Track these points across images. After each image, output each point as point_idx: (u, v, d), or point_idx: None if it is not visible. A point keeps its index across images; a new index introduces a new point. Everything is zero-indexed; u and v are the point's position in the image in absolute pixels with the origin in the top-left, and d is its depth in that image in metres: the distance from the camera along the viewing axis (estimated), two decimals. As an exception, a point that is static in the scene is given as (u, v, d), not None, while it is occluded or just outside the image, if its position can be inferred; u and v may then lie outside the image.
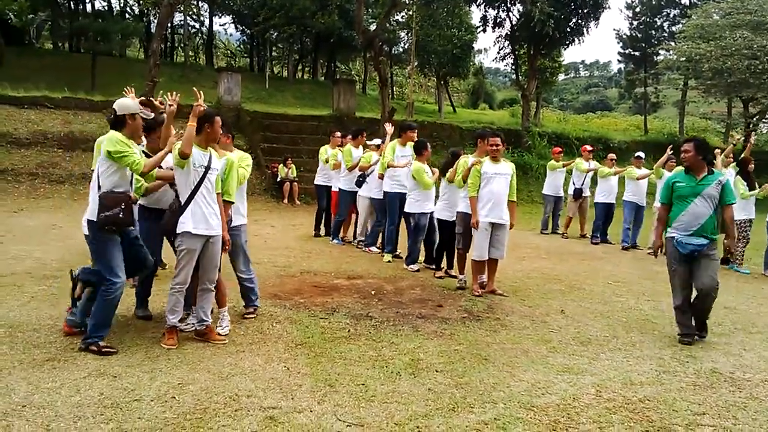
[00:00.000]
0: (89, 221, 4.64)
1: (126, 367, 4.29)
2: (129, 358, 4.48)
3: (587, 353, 5.16)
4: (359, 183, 9.68)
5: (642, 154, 12.32)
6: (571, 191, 12.83)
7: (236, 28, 38.73)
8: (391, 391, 4.13)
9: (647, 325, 6.18)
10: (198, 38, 41.99)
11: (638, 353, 5.24)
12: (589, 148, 13.28)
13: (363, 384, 4.22)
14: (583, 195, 12.70)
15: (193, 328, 5.01)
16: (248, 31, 37.72)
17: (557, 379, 4.51)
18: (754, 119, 26.46)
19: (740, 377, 4.72)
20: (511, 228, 7.25)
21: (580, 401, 4.12)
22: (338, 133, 11.17)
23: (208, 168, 4.76)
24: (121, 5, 34.57)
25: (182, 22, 36.68)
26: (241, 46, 45.40)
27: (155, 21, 34.24)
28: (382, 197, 9.19)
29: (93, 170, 4.97)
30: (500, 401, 4.05)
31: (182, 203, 4.69)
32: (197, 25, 39.82)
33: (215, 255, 4.89)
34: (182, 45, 39.18)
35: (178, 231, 4.67)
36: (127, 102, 4.79)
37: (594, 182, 12.81)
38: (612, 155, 12.83)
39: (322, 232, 10.89)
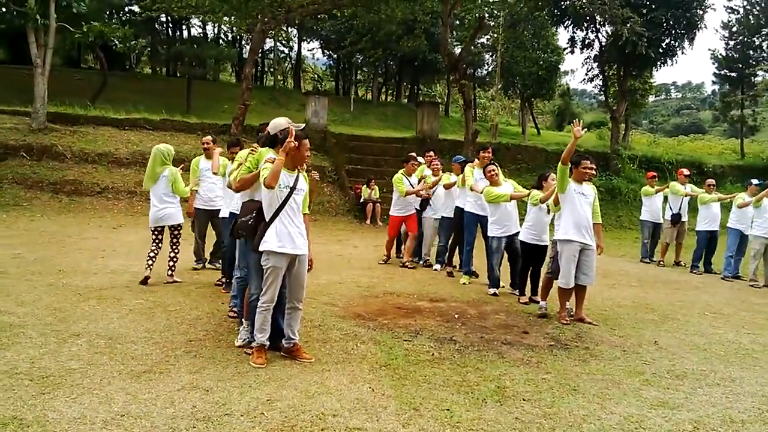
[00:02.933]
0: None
1: (217, 381, 4.41)
2: (220, 372, 4.61)
3: (683, 387, 4.91)
4: (423, 206, 10.12)
5: (758, 181, 11.52)
6: (668, 216, 12.32)
7: (323, 52, 39.90)
8: (477, 418, 4.06)
9: (747, 360, 5.82)
10: (287, 63, 43.40)
11: (738, 389, 4.94)
12: (686, 171, 12.73)
13: (448, 409, 4.16)
14: (682, 220, 12.17)
15: (243, 342, 5.18)
16: (334, 55, 38.71)
17: (651, 413, 4.31)
18: None
19: None
20: (600, 252, 7.02)
21: (677, 438, 3.91)
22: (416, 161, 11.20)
23: (293, 189, 4.86)
24: (216, 32, 36.23)
25: (272, 48, 38.03)
26: (328, 70, 46.59)
27: (247, 47, 35.69)
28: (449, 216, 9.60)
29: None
30: (591, 434, 3.90)
31: (267, 221, 4.83)
32: (286, 50, 41.22)
33: (302, 274, 4.97)
34: (272, 69, 40.64)
35: (261, 249, 4.79)
36: (279, 120, 5.15)
37: (692, 208, 12.25)
38: (711, 180, 12.25)
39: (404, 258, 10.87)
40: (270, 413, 3.94)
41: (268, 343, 4.95)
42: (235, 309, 6.05)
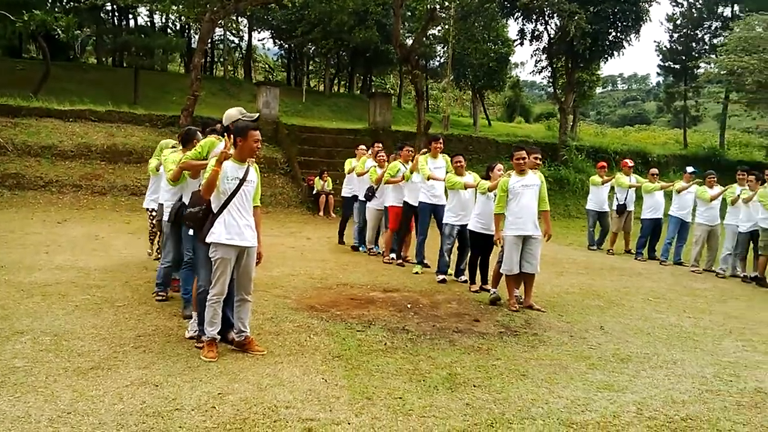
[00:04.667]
0: None
1: (167, 376, 4.36)
2: (170, 367, 4.56)
3: (627, 370, 5.08)
4: (369, 196, 10.26)
5: (694, 169, 11.93)
6: (614, 206, 12.66)
7: (274, 42, 39.43)
8: (429, 405, 4.12)
9: (688, 343, 6.05)
10: (237, 53, 42.79)
11: (680, 371, 5.13)
12: (629, 162, 13.08)
13: (400, 397, 4.22)
14: (627, 210, 12.51)
15: (193, 334, 5.16)
16: (286, 45, 38.33)
17: (597, 396, 4.45)
18: (800, 133, 25.81)
19: (787, 398, 4.59)
20: (548, 239, 7.20)
21: (621, 419, 4.05)
22: (363, 146, 11.84)
23: (243, 180, 4.82)
24: (164, 21, 35.43)
25: (222, 38, 37.44)
26: (279, 61, 46.12)
27: (196, 36, 35.04)
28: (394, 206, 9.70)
29: None
30: (539, 417, 4.01)
31: (215, 213, 4.78)
32: (236, 40, 40.63)
33: (250, 266, 4.94)
34: (222, 60, 39.99)
35: (209, 240, 4.75)
36: (232, 111, 5.17)
37: (638, 197, 12.61)
38: (654, 170, 12.61)
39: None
40: (221, 407, 3.92)
41: (218, 336, 4.92)
42: (162, 293, 6.46)
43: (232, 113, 5.16)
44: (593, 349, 5.64)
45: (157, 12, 31.57)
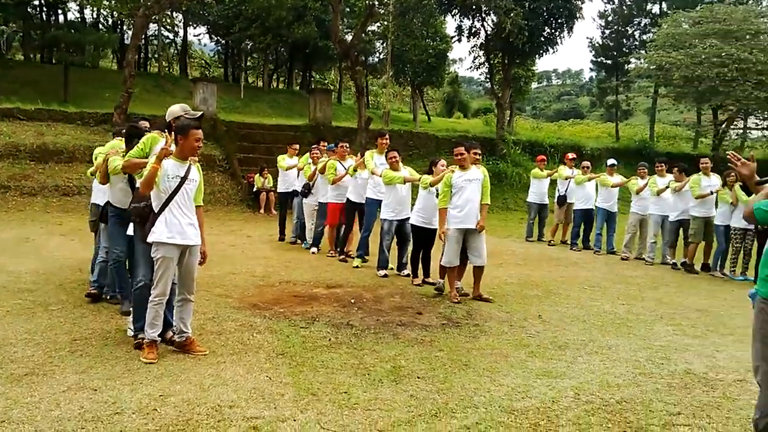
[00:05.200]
0: None
1: (106, 380, 4.26)
2: (109, 370, 4.45)
3: (565, 357, 5.25)
4: (305, 193, 10.53)
5: (615, 162, 12.52)
6: (544, 199, 13.00)
7: (211, 38, 38.64)
8: (374, 398, 4.16)
9: (622, 329, 6.29)
10: (172, 49, 41.76)
11: (614, 356, 5.33)
12: (571, 156, 13.47)
13: (345, 392, 4.24)
14: (568, 201, 12.89)
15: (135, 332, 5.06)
16: (223, 41, 37.65)
17: (537, 383, 4.58)
18: (723, 126, 26.99)
19: (713, 378, 4.83)
20: (481, 230, 7.33)
21: (560, 404, 4.18)
22: (296, 145, 11.99)
23: (184, 179, 4.76)
24: (95, 16, 34.27)
25: (156, 33, 36.49)
26: (216, 56, 45.27)
27: (129, 32, 34.03)
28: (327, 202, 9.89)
29: None
30: (481, 406, 4.10)
31: (156, 212, 4.70)
32: (171, 36, 39.64)
33: (193, 266, 4.89)
34: (156, 56, 38.97)
35: (150, 240, 4.67)
36: (174, 108, 5.10)
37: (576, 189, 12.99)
38: (586, 162, 13.02)
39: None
40: (163, 409, 3.86)
41: (159, 339, 4.83)
42: (93, 291, 6.37)
43: (175, 110, 5.08)
44: (532, 338, 5.79)
45: (88, 7, 30.51)
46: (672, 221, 10.59)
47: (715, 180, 10.13)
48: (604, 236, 11.98)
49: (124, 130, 5.85)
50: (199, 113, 5.29)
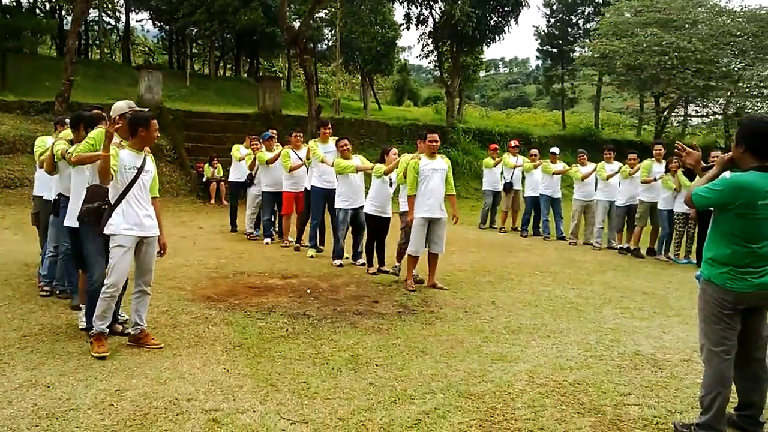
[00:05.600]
0: None
1: (59, 376, 4.16)
2: (61, 366, 4.35)
3: (519, 341, 5.37)
4: (248, 184, 10.66)
5: (557, 150, 12.82)
6: (501, 186, 13.22)
7: (154, 24, 37.65)
8: (333, 387, 4.18)
9: (573, 312, 6.46)
10: (114, 35, 40.52)
11: (566, 339, 5.49)
12: (514, 144, 13.70)
13: (304, 382, 4.25)
14: (514, 188, 13.10)
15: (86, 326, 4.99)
16: (167, 27, 36.73)
17: (492, 367, 4.68)
18: (665, 113, 27.82)
19: (661, 358, 5.02)
20: (456, 222, 7.44)
21: (515, 387, 4.29)
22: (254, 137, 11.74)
23: (141, 169, 4.69)
24: (31, 1, 32.93)
25: (97, 19, 35.32)
26: (160, 43, 44.14)
27: (68, 17, 32.83)
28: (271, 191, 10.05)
29: None
30: (439, 391, 4.17)
31: (112, 203, 4.60)
32: (113, 22, 38.43)
33: (151, 257, 4.83)
34: (98, 42, 37.75)
35: (107, 232, 4.58)
36: (120, 104, 5.01)
37: (524, 176, 13.23)
38: (534, 150, 13.26)
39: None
40: (120, 404, 3.80)
41: (107, 330, 4.73)
42: (46, 288, 6.26)
43: (121, 106, 4.99)
44: (486, 323, 5.90)
45: (24, -10, 29.34)
46: (620, 206, 10.90)
47: (662, 166, 10.46)
48: (552, 222, 12.24)
49: (71, 118, 5.67)
50: (146, 110, 5.31)
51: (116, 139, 4.78)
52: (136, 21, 42.46)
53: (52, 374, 4.20)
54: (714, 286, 3.58)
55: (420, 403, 3.96)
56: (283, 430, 3.55)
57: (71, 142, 5.53)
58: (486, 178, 13.62)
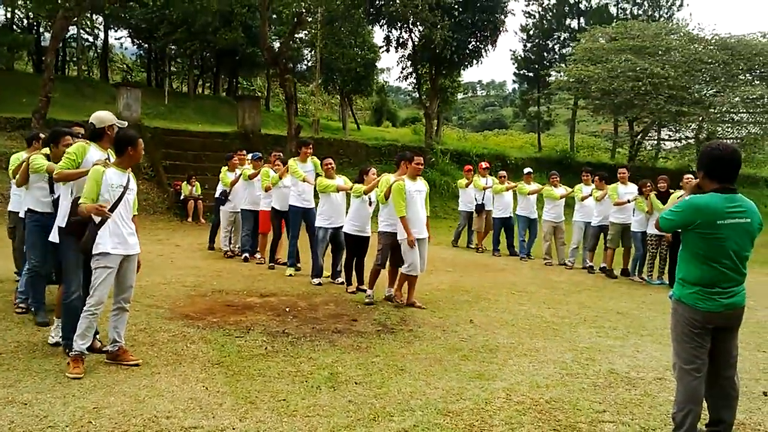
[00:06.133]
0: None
1: (36, 394, 4.13)
2: (38, 384, 4.31)
3: (496, 360, 5.43)
4: (222, 201, 10.77)
5: (530, 169, 13.05)
6: (473, 207, 13.38)
7: (133, 42, 37.56)
8: (312, 404, 4.20)
9: (549, 331, 6.55)
10: (91, 52, 40.33)
11: (542, 358, 5.56)
12: (485, 165, 13.94)
13: (284, 399, 4.26)
14: (486, 209, 13.27)
15: (58, 340, 5.05)
16: (145, 45, 36.67)
17: (470, 385, 4.73)
18: (639, 137, 28.34)
19: (635, 376, 5.11)
20: (429, 241, 7.54)
21: (492, 405, 4.34)
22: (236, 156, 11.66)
23: (126, 188, 4.73)
24: (8, 17, 32.70)
25: (75, 36, 35.15)
26: (138, 61, 44.01)
27: (46, 33, 32.69)
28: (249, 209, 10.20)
29: None
30: (418, 409, 4.21)
31: (97, 222, 4.60)
32: (91, 39, 38.27)
33: (131, 273, 4.84)
34: (76, 59, 37.52)
35: (96, 251, 4.57)
36: (104, 115, 5.05)
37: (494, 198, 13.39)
38: (503, 172, 13.49)
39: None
40: (98, 421, 3.78)
41: (87, 352, 4.69)
42: (21, 305, 6.18)
43: (104, 116, 5.02)
44: (464, 342, 5.96)
45: (1, 6, 29.13)
46: (594, 226, 11.10)
47: (632, 188, 10.68)
48: (528, 243, 12.40)
49: (49, 135, 5.67)
50: (125, 123, 5.34)
51: (102, 156, 4.82)
52: (115, 38, 42.36)
53: (29, 391, 4.17)
54: (684, 306, 3.70)
55: (399, 421, 4.00)
56: (262, 447, 3.56)
57: (47, 157, 5.55)
58: (461, 199, 13.84)
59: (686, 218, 3.65)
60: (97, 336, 5.04)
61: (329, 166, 8.51)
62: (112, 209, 4.63)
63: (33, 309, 6.02)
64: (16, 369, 4.59)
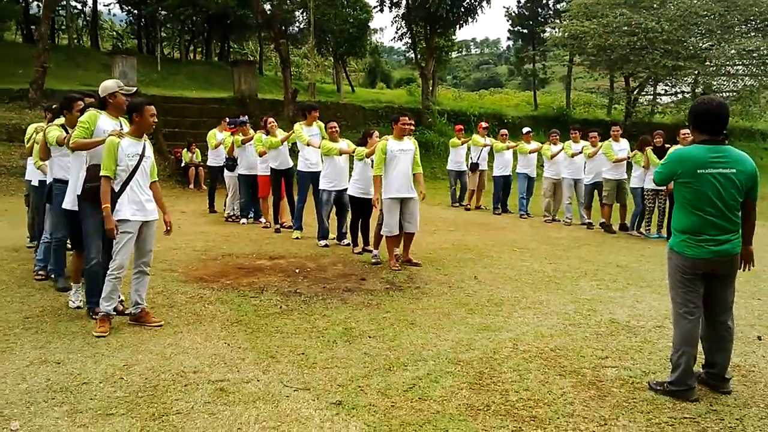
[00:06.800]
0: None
1: (67, 353, 4.35)
2: (68, 344, 4.53)
3: (501, 313, 5.66)
4: (230, 166, 10.90)
5: (529, 129, 13.19)
6: (462, 167, 13.64)
7: (121, 8, 37.04)
8: (330, 357, 4.43)
9: (551, 285, 6.78)
10: (81, 20, 39.80)
11: (546, 310, 5.80)
12: (484, 125, 14.08)
13: (303, 353, 4.49)
14: (480, 168, 13.46)
15: (80, 304, 5.32)
16: (135, 11, 36.19)
17: (478, 336, 4.96)
18: (635, 93, 28.30)
19: (635, 325, 5.35)
20: (423, 198, 7.69)
21: (500, 354, 4.58)
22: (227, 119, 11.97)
23: (142, 156, 4.87)
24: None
25: (65, 3, 34.67)
26: (128, 27, 43.46)
27: (33, 2, 32.27)
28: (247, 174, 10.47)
29: None
30: (430, 359, 4.44)
31: (117, 190, 4.77)
32: (80, 6, 37.75)
33: (150, 238, 5.04)
34: (65, 27, 37.06)
35: (116, 218, 4.75)
36: (107, 83, 5.15)
37: (492, 157, 13.54)
38: (504, 131, 13.62)
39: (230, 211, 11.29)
40: (129, 377, 4.00)
41: (114, 313, 4.92)
42: (41, 272, 6.39)
43: (110, 85, 5.15)
44: (470, 297, 6.19)
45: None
46: (586, 184, 11.31)
47: (624, 144, 10.87)
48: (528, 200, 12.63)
49: (62, 102, 5.76)
50: (134, 88, 5.45)
51: (114, 125, 4.96)
52: (103, 5, 41.84)
53: (60, 352, 4.39)
54: (675, 253, 3.95)
55: (413, 370, 4.23)
56: (287, 396, 3.79)
57: (63, 127, 5.66)
58: (451, 158, 14.10)
59: (672, 168, 3.90)
60: (121, 299, 5.23)
61: (333, 129, 8.63)
62: (129, 178, 4.79)
63: (53, 276, 6.21)
64: (44, 332, 4.80)
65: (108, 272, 4.81)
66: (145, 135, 5.02)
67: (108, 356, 4.33)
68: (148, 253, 5.05)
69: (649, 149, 10.06)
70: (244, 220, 10.64)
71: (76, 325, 4.97)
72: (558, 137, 12.26)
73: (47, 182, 6.13)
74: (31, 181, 7.25)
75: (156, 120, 5.03)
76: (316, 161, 9.10)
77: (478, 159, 13.46)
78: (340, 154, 8.55)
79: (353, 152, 8.39)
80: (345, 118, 20.69)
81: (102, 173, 4.72)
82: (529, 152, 12.50)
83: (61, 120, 5.81)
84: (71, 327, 4.93)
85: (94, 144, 4.91)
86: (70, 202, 5.24)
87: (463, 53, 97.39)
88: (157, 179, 5.18)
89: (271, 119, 10.06)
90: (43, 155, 5.88)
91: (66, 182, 5.51)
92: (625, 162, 10.63)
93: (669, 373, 4.02)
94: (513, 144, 12.99)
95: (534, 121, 24.90)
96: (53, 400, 3.65)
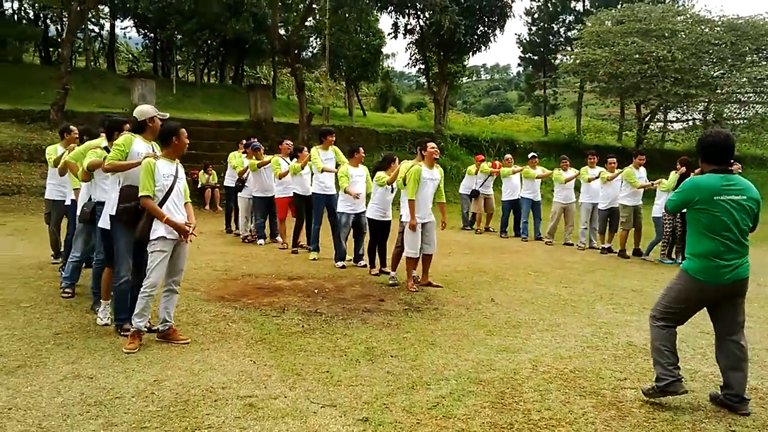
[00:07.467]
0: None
1: (99, 369, 4.47)
2: (99, 360, 4.65)
3: (520, 334, 5.75)
4: (240, 188, 11.17)
5: (535, 154, 13.43)
6: (469, 192, 14.20)
7: (138, 32, 37.69)
8: (354, 375, 4.53)
9: (567, 308, 6.86)
10: (97, 42, 40.50)
11: (563, 332, 5.88)
12: (480, 157, 14.76)
13: (327, 371, 4.59)
14: (485, 194, 13.98)
15: (104, 322, 5.48)
16: (150, 35, 36.80)
17: (498, 357, 5.05)
18: (646, 120, 28.44)
19: (651, 347, 5.42)
20: (444, 228, 7.85)
21: (520, 374, 4.66)
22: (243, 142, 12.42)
23: (176, 177, 5.05)
24: (15, 9, 32.92)
25: (82, 27, 35.30)
26: (144, 50, 44.16)
27: (52, 25, 32.89)
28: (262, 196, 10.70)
29: None
30: (452, 378, 4.53)
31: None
32: (97, 29, 38.43)
33: (183, 257, 5.17)
34: (83, 50, 37.71)
35: (154, 237, 4.90)
36: (145, 108, 5.37)
37: (499, 182, 13.77)
38: (508, 156, 13.77)
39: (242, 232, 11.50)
40: (160, 392, 4.12)
41: (145, 329, 5.05)
42: (68, 290, 6.49)
43: (148, 110, 5.35)
44: (488, 319, 6.28)
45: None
46: (602, 209, 11.39)
47: (643, 172, 10.95)
48: (531, 224, 12.75)
49: (107, 127, 5.86)
50: (167, 114, 5.61)
51: (147, 148, 5.15)
52: (120, 28, 42.53)
53: (92, 367, 4.51)
54: (689, 277, 4.13)
55: (436, 389, 4.32)
56: (314, 412, 3.89)
57: (106, 149, 5.76)
58: (464, 182, 14.67)
59: (687, 196, 4.11)
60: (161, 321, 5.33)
61: (359, 154, 8.96)
62: (164, 198, 4.96)
63: (94, 298, 6.03)
64: (75, 347, 4.93)
65: (141, 289, 4.95)
66: (177, 159, 5.19)
67: (138, 372, 4.45)
68: (179, 272, 5.19)
69: (674, 173, 9.94)
70: (261, 241, 10.80)
71: (105, 342, 5.09)
72: (568, 163, 12.42)
73: (77, 202, 6.31)
74: (51, 198, 7.57)
75: (188, 142, 5.21)
76: (331, 184, 9.33)
77: (481, 186, 13.93)
78: (322, 172, 9.02)
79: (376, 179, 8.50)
80: (359, 142, 20.82)
81: (141, 193, 4.89)
82: (536, 177, 12.63)
83: (100, 142, 5.97)
84: (101, 343, 5.05)
85: (128, 166, 5.08)
86: (105, 221, 5.38)
87: (474, 79, 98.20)
88: (189, 200, 5.34)
89: (288, 142, 10.28)
90: (86, 177, 6.00)
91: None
92: (642, 189, 10.75)
93: (688, 397, 4.11)
94: (518, 168, 13.15)
95: (545, 146, 25.07)
96: (88, 413, 3.76)
